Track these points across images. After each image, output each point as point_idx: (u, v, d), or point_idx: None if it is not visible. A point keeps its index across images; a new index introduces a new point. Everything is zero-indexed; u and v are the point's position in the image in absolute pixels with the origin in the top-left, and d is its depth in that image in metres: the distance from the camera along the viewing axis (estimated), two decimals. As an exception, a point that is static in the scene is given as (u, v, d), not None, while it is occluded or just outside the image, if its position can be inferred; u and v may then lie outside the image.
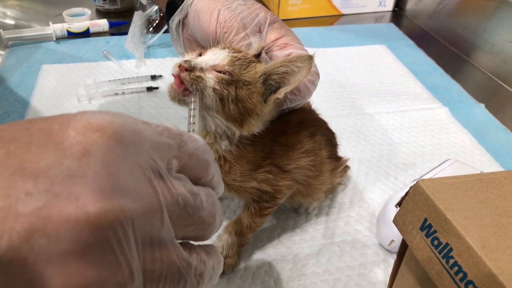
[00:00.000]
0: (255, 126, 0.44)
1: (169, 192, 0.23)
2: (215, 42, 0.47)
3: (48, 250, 0.19)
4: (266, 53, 0.47)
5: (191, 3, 0.50)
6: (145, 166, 0.22)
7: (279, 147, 0.46)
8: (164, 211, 0.22)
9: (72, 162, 0.20)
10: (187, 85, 0.39)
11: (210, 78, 0.40)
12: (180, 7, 0.51)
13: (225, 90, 0.40)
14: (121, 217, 0.20)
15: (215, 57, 0.41)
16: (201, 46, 0.52)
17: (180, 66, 0.39)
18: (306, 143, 0.48)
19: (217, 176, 0.29)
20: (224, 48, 0.43)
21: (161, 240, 0.22)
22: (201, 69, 0.40)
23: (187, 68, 0.39)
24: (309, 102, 0.59)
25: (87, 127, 0.21)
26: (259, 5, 0.49)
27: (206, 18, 0.48)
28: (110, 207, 0.20)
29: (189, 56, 0.43)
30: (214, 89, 0.40)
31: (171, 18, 0.53)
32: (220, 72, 0.40)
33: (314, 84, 0.47)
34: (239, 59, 0.42)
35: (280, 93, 0.42)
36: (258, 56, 0.45)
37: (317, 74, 0.47)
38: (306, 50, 0.47)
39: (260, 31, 0.47)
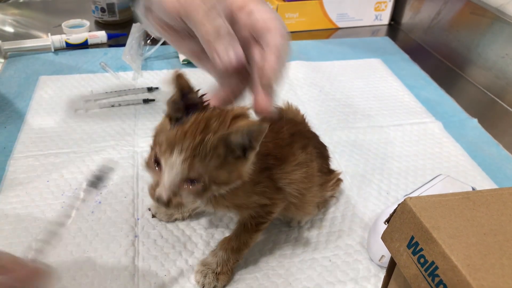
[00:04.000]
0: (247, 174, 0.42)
1: None
2: (181, 21, 0.44)
3: None
4: (233, 25, 0.44)
5: None
6: None
7: (272, 160, 0.47)
8: None
9: None
10: None
11: (187, 200, 0.39)
12: None
13: (204, 194, 0.39)
14: None
15: (175, 172, 0.38)
16: (173, 29, 0.47)
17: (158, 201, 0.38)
18: (299, 155, 0.49)
19: None
20: (180, 152, 0.37)
21: None
22: (175, 194, 0.38)
23: (165, 205, 0.38)
24: (303, 115, 0.60)
25: None
26: None
27: None
28: None
29: (154, 184, 0.40)
30: (195, 201, 0.40)
31: (134, 3, 0.49)
32: (192, 182, 0.38)
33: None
34: (198, 154, 0.37)
35: (251, 155, 0.40)
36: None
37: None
38: (269, 5, 0.45)
39: None
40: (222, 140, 0.37)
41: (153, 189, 0.39)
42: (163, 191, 0.38)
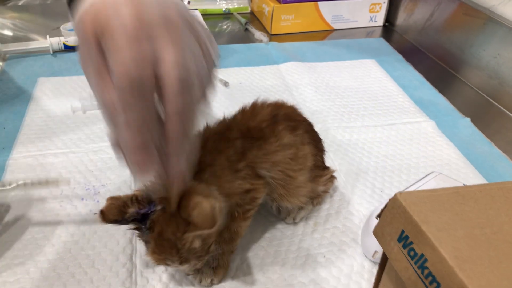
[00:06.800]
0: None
1: None
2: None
3: None
4: None
5: None
6: None
7: (247, 142, 0.47)
8: None
9: None
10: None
11: (202, 263, 0.44)
12: None
13: (210, 253, 0.43)
14: None
15: (180, 271, 0.48)
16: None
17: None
18: (284, 136, 0.49)
19: None
20: (172, 263, 0.41)
21: None
22: (192, 266, 0.43)
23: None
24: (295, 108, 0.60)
25: None
26: None
27: None
28: None
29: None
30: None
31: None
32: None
33: None
34: (185, 257, 0.41)
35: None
36: None
37: None
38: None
39: None
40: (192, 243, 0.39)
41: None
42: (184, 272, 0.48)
